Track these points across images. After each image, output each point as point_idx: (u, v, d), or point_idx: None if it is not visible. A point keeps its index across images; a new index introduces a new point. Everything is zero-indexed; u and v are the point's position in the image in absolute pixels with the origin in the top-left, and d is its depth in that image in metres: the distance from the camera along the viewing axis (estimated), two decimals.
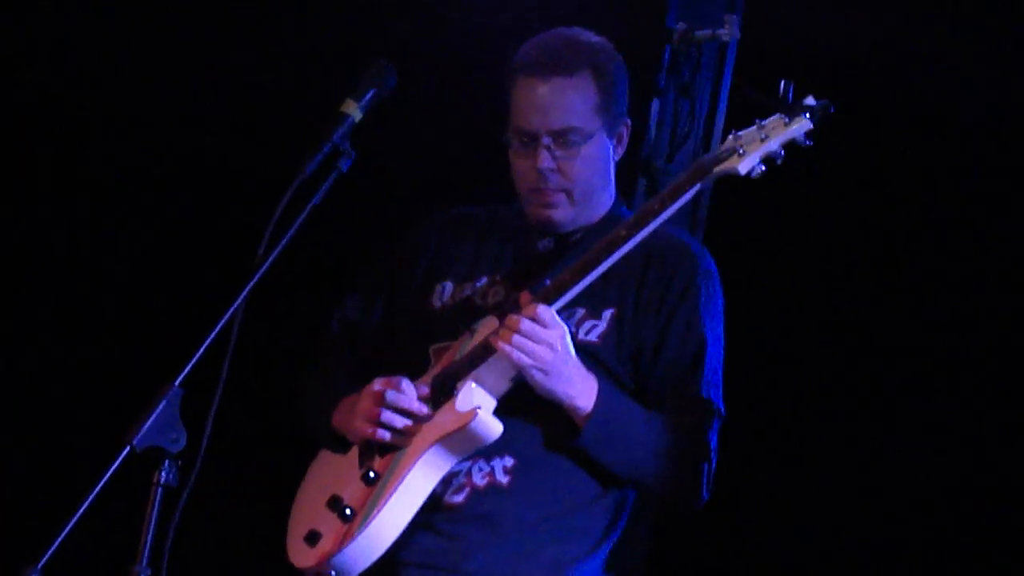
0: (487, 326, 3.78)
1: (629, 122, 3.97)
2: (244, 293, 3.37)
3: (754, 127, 3.59)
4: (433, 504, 3.74)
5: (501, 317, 3.75)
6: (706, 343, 3.84)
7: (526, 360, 3.62)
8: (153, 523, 3.27)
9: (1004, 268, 5.57)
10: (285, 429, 5.82)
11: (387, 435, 3.76)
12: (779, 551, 5.77)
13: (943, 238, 5.63)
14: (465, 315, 3.90)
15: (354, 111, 3.58)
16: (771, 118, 3.57)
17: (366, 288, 4.16)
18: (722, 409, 3.85)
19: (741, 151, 3.57)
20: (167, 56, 5.81)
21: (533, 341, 3.61)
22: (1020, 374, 5.53)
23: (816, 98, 3.56)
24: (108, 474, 3.18)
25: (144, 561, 3.25)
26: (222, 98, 5.82)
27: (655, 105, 5.92)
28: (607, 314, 3.80)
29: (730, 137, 3.61)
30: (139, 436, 3.22)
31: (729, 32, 5.77)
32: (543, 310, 3.63)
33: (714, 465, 3.81)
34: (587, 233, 3.94)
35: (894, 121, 5.71)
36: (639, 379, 3.81)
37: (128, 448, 3.21)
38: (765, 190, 3.75)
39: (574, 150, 3.83)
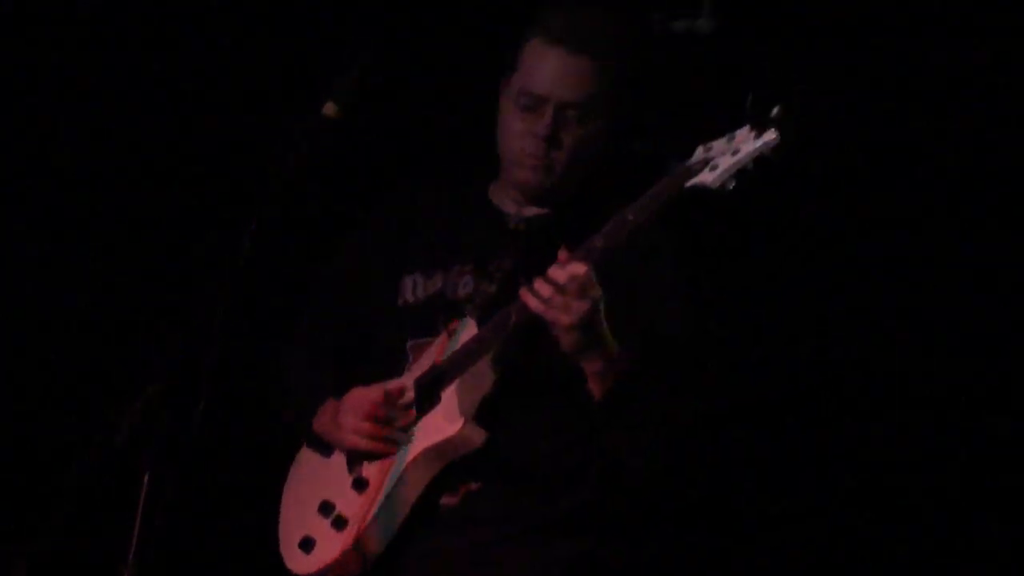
0: (465, 328, 3.81)
1: (631, 120, 3.98)
2: (227, 293, 3.40)
3: (724, 139, 3.57)
4: (426, 506, 3.79)
5: (477, 318, 3.78)
6: (678, 292, 3.85)
7: (560, 316, 3.59)
8: (141, 521, 3.29)
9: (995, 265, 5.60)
10: (269, 426, 5.85)
11: (375, 446, 3.80)
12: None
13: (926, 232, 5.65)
14: (439, 309, 3.91)
15: (334, 113, 3.61)
16: (740, 130, 3.55)
17: (332, 279, 4.16)
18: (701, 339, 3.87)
19: (713, 165, 3.55)
20: (145, 57, 5.81)
21: (571, 296, 3.58)
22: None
23: (785, 106, 3.53)
24: (96, 473, 3.20)
25: (133, 559, 3.27)
26: (199, 101, 5.81)
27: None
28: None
29: (700, 148, 3.60)
30: (126, 435, 3.25)
31: (706, 24, 5.78)
32: (585, 270, 3.58)
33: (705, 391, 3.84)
34: (556, 216, 3.93)
35: (869, 111, 5.73)
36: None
37: (115, 447, 3.23)
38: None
39: (574, 127, 3.84)
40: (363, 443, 3.82)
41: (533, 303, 3.61)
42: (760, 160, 3.54)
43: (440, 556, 3.79)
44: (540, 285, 3.60)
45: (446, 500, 3.81)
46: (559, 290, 3.58)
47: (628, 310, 3.75)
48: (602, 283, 3.62)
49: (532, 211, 3.98)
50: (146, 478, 3.31)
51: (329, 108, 3.62)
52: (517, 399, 3.79)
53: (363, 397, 3.84)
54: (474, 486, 3.81)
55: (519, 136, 3.88)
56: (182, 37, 5.74)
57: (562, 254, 3.64)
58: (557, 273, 3.60)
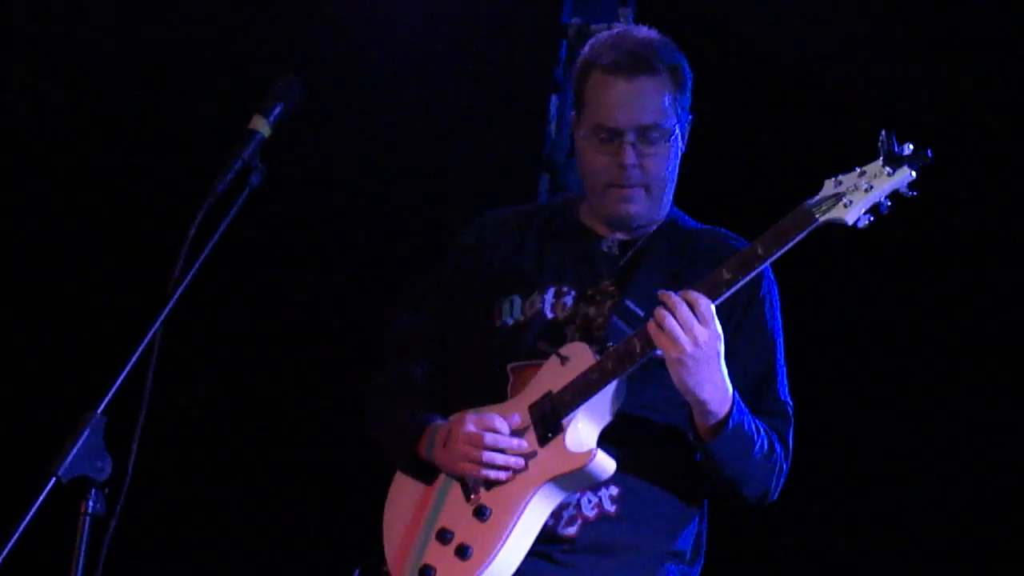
0: (579, 354, 3.81)
1: (691, 118, 4.00)
2: (163, 315, 3.34)
3: (854, 173, 3.60)
4: (546, 535, 3.81)
5: (590, 343, 3.81)
6: (775, 349, 3.95)
7: (668, 347, 3.64)
8: (83, 554, 3.23)
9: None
10: (211, 451, 5.79)
11: (493, 474, 3.79)
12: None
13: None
14: (540, 331, 3.94)
15: (263, 127, 3.56)
16: (871, 166, 3.58)
17: (423, 299, 4.16)
18: (793, 408, 3.96)
19: (847, 201, 3.59)
20: (76, 73, 5.75)
21: (683, 328, 3.63)
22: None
23: (914, 147, 3.56)
24: (35, 507, 3.14)
25: None
26: (129, 120, 5.77)
27: (554, 100, 5.95)
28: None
29: (830, 182, 3.63)
30: (64, 466, 3.18)
31: (624, 25, 5.80)
32: (704, 303, 3.65)
33: (790, 464, 3.92)
34: (650, 240, 3.99)
35: (791, 109, 5.76)
36: None
37: (54, 479, 3.17)
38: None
39: (656, 147, 3.89)
40: (480, 471, 3.80)
41: (652, 329, 3.66)
42: (894, 195, 3.58)
43: None
44: (659, 311, 3.65)
45: (565, 530, 3.84)
46: (676, 319, 3.62)
47: (741, 357, 3.84)
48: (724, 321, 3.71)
49: (624, 234, 4.01)
50: (84, 507, 3.24)
51: (256, 122, 3.57)
52: (638, 430, 3.83)
53: (482, 424, 3.82)
54: (591, 516, 3.85)
55: (605, 170, 3.92)
56: (109, 59, 5.69)
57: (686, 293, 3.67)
58: (674, 302, 3.64)
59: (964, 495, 5.68)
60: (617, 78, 3.89)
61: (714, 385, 3.69)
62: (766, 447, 3.82)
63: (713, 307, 3.66)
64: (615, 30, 4.07)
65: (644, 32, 3.99)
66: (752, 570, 5.77)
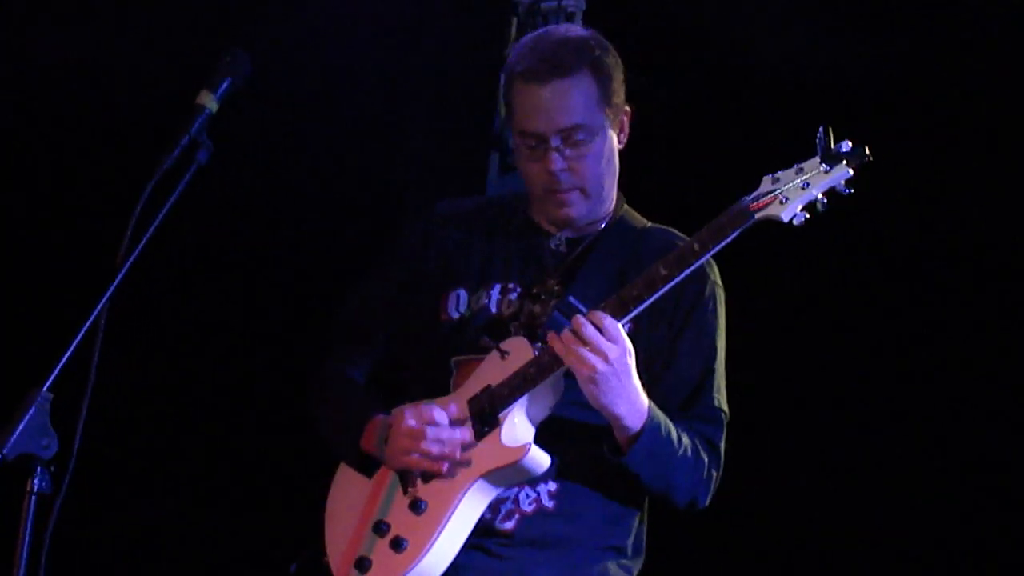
0: (519, 349, 3.82)
1: (629, 110, 3.98)
2: (108, 292, 3.32)
3: (792, 170, 3.61)
4: (484, 529, 3.82)
5: (530, 337, 3.82)
6: (716, 353, 3.94)
7: (578, 367, 3.65)
8: (28, 532, 3.22)
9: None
10: (157, 429, 5.76)
11: (430, 467, 3.78)
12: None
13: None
14: (484, 326, 3.93)
15: (210, 102, 3.53)
16: (808, 162, 3.59)
17: (371, 290, 4.14)
18: (727, 414, 3.96)
19: (783, 198, 3.59)
20: (20, 48, 5.71)
21: (590, 349, 3.64)
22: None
23: (852, 143, 3.57)
24: None
25: (21, 571, 3.20)
26: (77, 94, 5.73)
27: (503, 79, 5.94)
28: (624, 328, 3.77)
29: (767, 178, 3.63)
30: (9, 444, 3.17)
31: (576, 3, 5.79)
32: (610, 322, 3.66)
33: (721, 470, 3.92)
34: (597, 238, 3.99)
35: (739, 91, 5.78)
36: (648, 385, 3.83)
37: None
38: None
39: (583, 148, 3.87)
40: (418, 464, 3.79)
41: (558, 347, 3.68)
42: (830, 193, 3.58)
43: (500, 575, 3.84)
44: (566, 333, 3.66)
45: (502, 525, 3.85)
46: (582, 341, 3.64)
47: (652, 335, 3.86)
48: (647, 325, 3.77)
49: (572, 232, 4.00)
50: (30, 485, 3.22)
51: (203, 97, 3.55)
52: (576, 427, 3.82)
53: (416, 417, 3.81)
54: (529, 510, 3.86)
55: (537, 176, 3.91)
56: (58, 30, 5.66)
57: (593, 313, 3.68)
58: (579, 323, 3.65)
59: (934, 490, 5.72)
60: (533, 84, 3.87)
61: (627, 400, 3.70)
62: (690, 455, 3.82)
63: (620, 325, 3.67)
64: (536, 32, 4.04)
65: (562, 32, 3.97)
66: (696, 567, 5.80)
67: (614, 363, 3.65)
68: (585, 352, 3.64)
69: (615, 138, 3.94)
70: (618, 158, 3.98)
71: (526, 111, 3.89)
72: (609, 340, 3.65)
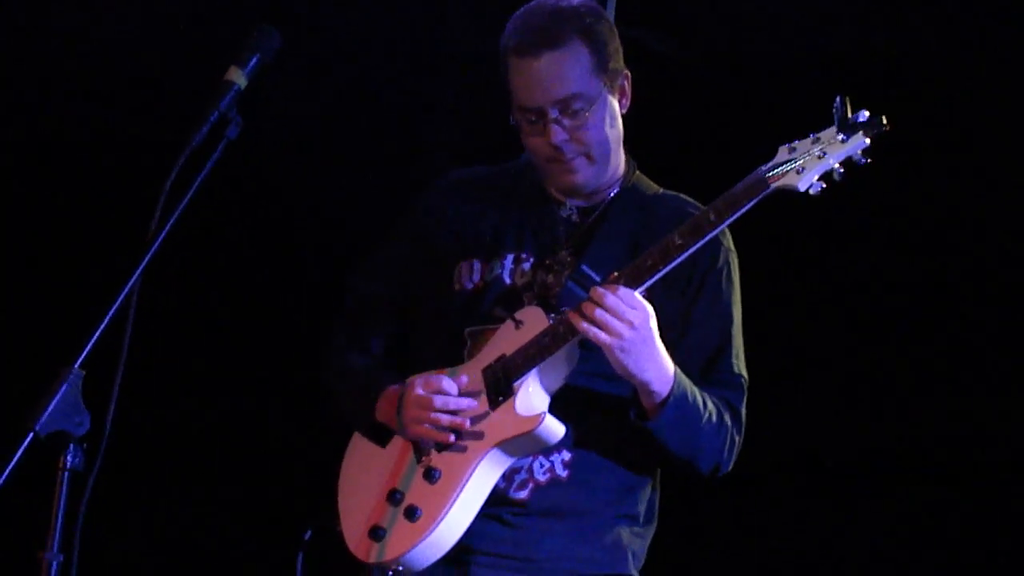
0: (533, 318, 3.82)
1: (628, 73, 3.97)
2: (140, 269, 3.33)
3: (808, 140, 3.59)
4: (498, 498, 3.82)
5: (543, 306, 3.82)
6: (732, 319, 3.94)
7: (604, 338, 3.64)
8: (61, 508, 3.23)
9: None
10: (189, 405, 5.77)
11: (444, 437, 3.79)
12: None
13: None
14: (498, 296, 3.94)
15: (239, 78, 3.53)
16: (825, 132, 3.57)
17: (384, 260, 4.15)
18: (747, 379, 3.96)
19: (799, 168, 3.57)
20: (48, 27, 5.71)
21: (616, 318, 3.63)
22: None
23: (869, 114, 3.54)
24: (13, 461, 3.13)
25: (55, 547, 3.21)
26: (106, 72, 5.73)
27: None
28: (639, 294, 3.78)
29: (783, 148, 3.61)
30: (42, 421, 3.18)
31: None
32: (624, 290, 3.65)
33: (743, 435, 3.92)
34: (608, 206, 3.98)
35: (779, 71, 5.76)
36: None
37: (32, 434, 3.16)
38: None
39: (583, 117, 3.86)
40: (432, 434, 3.80)
41: (580, 322, 3.66)
42: (847, 163, 3.56)
43: (511, 550, 3.85)
44: (586, 304, 3.66)
45: (516, 494, 3.85)
46: (605, 309, 3.63)
47: (667, 302, 3.84)
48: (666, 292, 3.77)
49: (583, 201, 4.00)
50: (63, 462, 3.23)
51: (233, 73, 3.54)
52: (590, 396, 3.83)
53: (430, 386, 3.82)
54: (543, 480, 3.86)
55: (540, 149, 3.91)
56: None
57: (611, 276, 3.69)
58: (599, 293, 3.65)
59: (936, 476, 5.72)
60: (526, 58, 3.86)
61: (655, 364, 3.71)
62: (715, 420, 3.82)
63: (636, 293, 3.66)
64: (527, 6, 3.99)
65: (552, 3, 3.93)
66: (707, 535, 5.80)
67: (639, 328, 3.65)
68: (611, 320, 3.63)
69: (616, 103, 3.93)
70: (621, 122, 3.96)
71: (522, 86, 3.88)
72: (629, 306, 3.64)
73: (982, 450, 5.70)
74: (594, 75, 3.86)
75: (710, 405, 3.82)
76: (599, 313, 3.64)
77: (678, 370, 3.76)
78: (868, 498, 5.81)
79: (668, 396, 3.73)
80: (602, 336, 3.65)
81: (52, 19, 5.70)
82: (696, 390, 3.80)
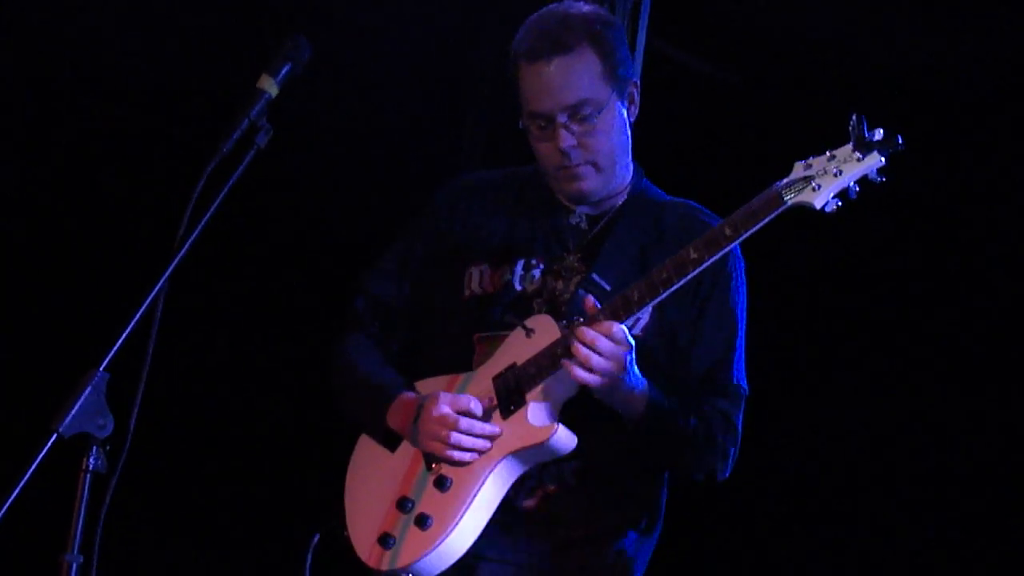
0: (544, 326, 3.81)
1: (637, 81, 3.99)
2: (166, 275, 3.33)
3: (824, 157, 3.58)
4: (506, 506, 3.82)
5: (554, 314, 3.82)
6: (737, 329, 3.95)
7: (595, 379, 3.66)
8: (83, 510, 3.23)
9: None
10: (212, 410, 5.78)
11: (458, 455, 3.79)
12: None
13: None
14: (508, 303, 3.95)
15: (270, 86, 3.54)
16: (841, 150, 3.56)
17: (391, 263, 4.15)
18: (747, 389, 3.97)
19: (815, 185, 3.56)
20: (80, 33, 5.74)
21: (606, 358, 3.64)
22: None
23: (885, 132, 3.53)
24: (36, 462, 3.14)
25: (75, 548, 3.22)
26: (137, 79, 5.76)
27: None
28: (647, 306, 3.79)
29: (800, 164, 3.61)
30: (66, 423, 3.19)
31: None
32: (617, 329, 3.66)
33: (739, 444, 3.92)
34: (617, 214, 3.99)
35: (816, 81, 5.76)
36: (673, 361, 3.87)
37: (55, 435, 3.17)
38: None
39: (591, 123, 3.87)
40: (446, 452, 3.79)
41: (572, 371, 3.66)
42: (862, 181, 3.56)
43: (519, 558, 3.86)
44: (576, 346, 3.65)
45: (525, 502, 3.86)
46: (598, 352, 3.64)
47: (675, 312, 3.87)
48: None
49: (592, 208, 4.02)
50: (85, 464, 3.24)
51: (264, 81, 3.55)
52: (600, 406, 3.81)
53: (452, 404, 3.80)
54: (552, 488, 3.87)
55: (549, 156, 3.92)
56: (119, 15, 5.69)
57: (589, 305, 3.70)
58: (590, 337, 3.65)
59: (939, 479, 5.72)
60: (536, 64, 3.87)
61: (631, 390, 3.74)
62: (700, 433, 3.84)
63: (624, 328, 3.67)
64: (538, 12, 4.00)
65: (563, 10, 3.96)
66: (706, 540, 5.80)
67: (628, 364, 3.68)
68: (605, 365, 3.65)
69: (624, 111, 3.94)
70: (630, 131, 3.97)
71: (531, 91, 3.89)
72: (621, 347, 3.66)
73: (982, 450, 5.69)
74: (603, 81, 3.88)
75: (693, 419, 3.84)
76: (596, 360, 3.65)
77: (652, 390, 3.77)
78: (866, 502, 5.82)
79: (643, 413, 3.76)
80: (591, 379, 3.66)
81: (86, 27, 5.72)
82: (676, 407, 3.82)
